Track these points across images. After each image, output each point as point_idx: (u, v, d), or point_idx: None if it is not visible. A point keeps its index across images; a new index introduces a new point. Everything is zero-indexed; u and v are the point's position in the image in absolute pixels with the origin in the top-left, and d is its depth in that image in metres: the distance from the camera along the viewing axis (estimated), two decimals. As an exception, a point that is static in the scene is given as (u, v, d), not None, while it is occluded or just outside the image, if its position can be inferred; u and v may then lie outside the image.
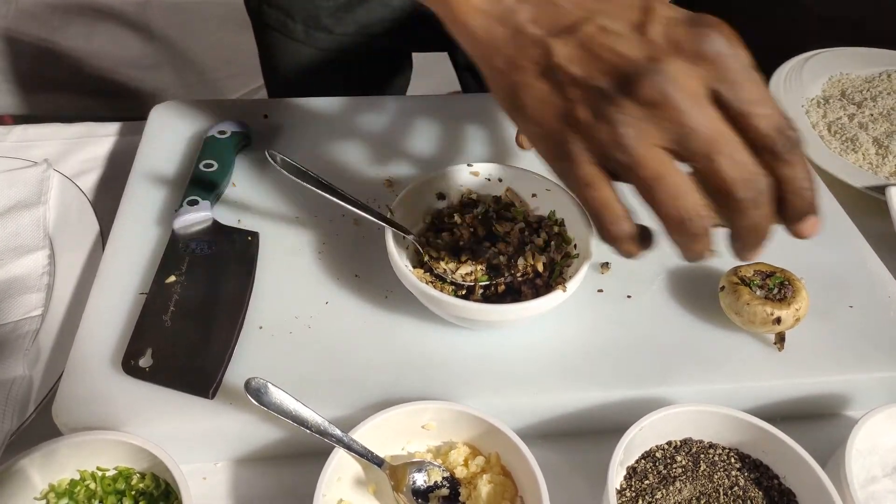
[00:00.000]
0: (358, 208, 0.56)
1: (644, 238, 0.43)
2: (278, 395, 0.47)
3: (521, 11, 0.41)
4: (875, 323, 0.60)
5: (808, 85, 0.91)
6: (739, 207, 0.38)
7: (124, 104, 2.02)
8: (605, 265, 0.64)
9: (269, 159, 0.53)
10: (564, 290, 0.53)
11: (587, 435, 0.56)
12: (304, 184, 0.54)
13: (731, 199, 0.38)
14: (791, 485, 0.51)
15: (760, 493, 0.51)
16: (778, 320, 0.56)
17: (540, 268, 0.57)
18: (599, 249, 0.63)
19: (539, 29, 0.40)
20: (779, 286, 0.58)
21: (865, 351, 0.59)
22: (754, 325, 0.57)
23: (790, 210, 0.40)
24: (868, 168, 0.80)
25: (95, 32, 1.92)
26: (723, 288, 0.59)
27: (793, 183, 0.39)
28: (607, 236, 0.42)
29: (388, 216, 0.58)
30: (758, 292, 0.58)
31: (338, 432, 0.48)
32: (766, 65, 0.86)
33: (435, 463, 0.51)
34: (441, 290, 0.56)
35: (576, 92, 0.39)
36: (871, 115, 0.86)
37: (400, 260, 0.55)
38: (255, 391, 0.46)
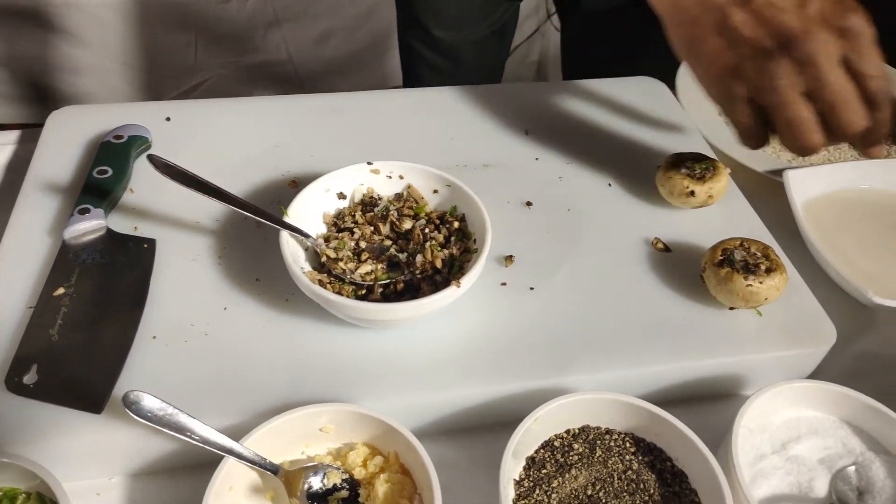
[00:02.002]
0: (249, 211, 0.55)
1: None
2: (158, 407, 0.46)
3: None
4: (768, 304, 0.62)
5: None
6: (852, 136, 0.55)
7: (48, 110, 1.96)
8: (509, 258, 0.64)
9: (150, 163, 0.52)
10: (458, 286, 0.53)
11: (489, 428, 0.56)
12: (189, 189, 0.53)
13: (847, 132, 0.54)
14: (683, 466, 0.52)
15: (654, 475, 0.52)
16: (691, 193, 0.67)
17: (438, 264, 0.57)
18: (501, 243, 0.65)
19: None
20: (703, 170, 0.68)
21: (758, 332, 0.60)
22: (672, 195, 0.68)
23: (871, 138, 0.55)
24: (771, 153, 0.82)
25: (20, 36, 1.86)
26: (660, 166, 0.70)
27: (879, 123, 0.55)
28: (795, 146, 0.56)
29: (284, 218, 0.57)
30: (683, 170, 0.68)
31: (225, 441, 0.47)
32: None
33: (334, 465, 0.51)
34: (339, 291, 0.56)
35: (745, 49, 0.53)
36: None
37: (294, 263, 0.54)
38: (132, 404, 0.45)
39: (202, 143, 0.73)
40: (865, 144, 0.56)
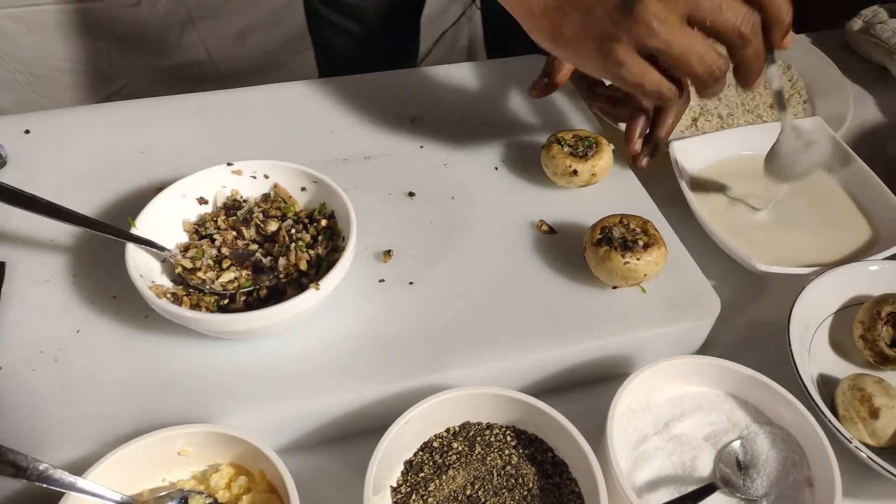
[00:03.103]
0: (97, 228, 0.52)
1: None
2: (-22, 448, 0.42)
3: None
4: (650, 280, 0.61)
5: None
6: (743, 44, 0.51)
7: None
8: (388, 253, 0.61)
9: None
10: (318, 289, 0.51)
11: (370, 434, 0.53)
12: (38, 214, 0.49)
13: (736, 41, 0.51)
14: (564, 455, 0.50)
15: (534, 467, 0.50)
16: (574, 172, 0.65)
17: (303, 266, 0.54)
18: (380, 237, 0.62)
19: None
20: (586, 148, 0.67)
21: (642, 309, 0.59)
22: (556, 175, 0.67)
23: (778, 26, 0.52)
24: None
25: None
26: (544, 146, 0.68)
27: (775, 4, 0.51)
28: (702, 81, 0.52)
29: (132, 230, 0.54)
30: (566, 149, 0.67)
31: (64, 476, 0.44)
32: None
33: (196, 490, 0.48)
34: (198, 303, 0.52)
35: (603, 7, 0.50)
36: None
37: (140, 278, 0.51)
38: (-58, 449, 0.41)
39: (63, 154, 0.69)
40: (779, 34, 0.52)
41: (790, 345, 0.55)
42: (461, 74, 0.81)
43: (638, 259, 0.56)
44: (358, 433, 0.54)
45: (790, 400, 0.51)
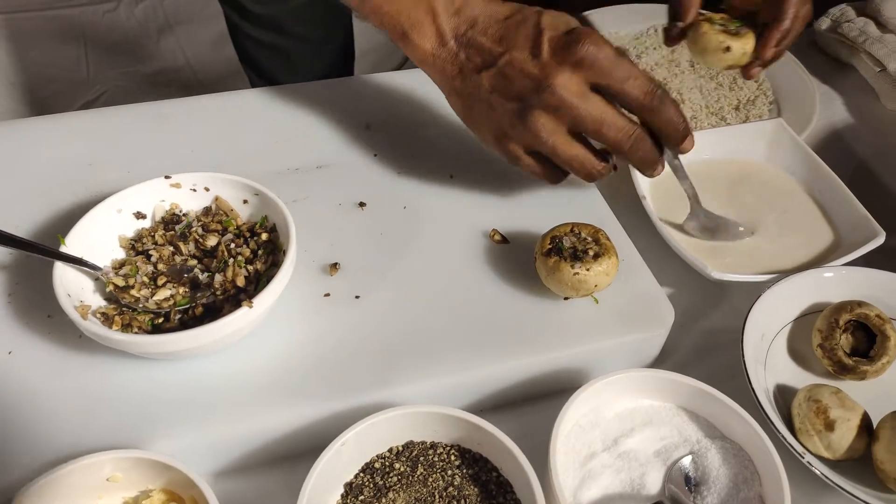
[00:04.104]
0: (17, 246, 0.50)
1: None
2: None
3: (460, 54, 0.57)
4: (602, 290, 0.59)
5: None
6: (627, 154, 0.57)
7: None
8: (334, 266, 0.60)
9: None
10: (251, 307, 0.49)
11: (314, 455, 0.52)
12: None
13: (620, 151, 0.57)
14: (508, 475, 0.49)
15: (477, 488, 0.48)
16: (728, 48, 0.62)
17: (241, 282, 0.53)
18: (327, 250, 0.61)
19: (474, 66, 0.57)
20: (738, 27, 0.63)
21: (595, 320, 0.57)
22: (706, 52, 0.64)
23: (671, 140, 0.58)
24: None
25: None
26: (691, 25, 0.64)
27: (667, 125, 0.56)
28: (584, 179, 0.60)
29: (61, 248, 0.52)
30: (717, 26, 0.63)
31: (-21, 509, 0.42)
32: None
33: (125, 517, 0.46)
34: (130, 323, 0.51)
35: (503, 109, 0.57)
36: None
37: (67, 298, 0.49)
38: None
39: (3, 169, 0.67)
40: (673, 146, 0.59)
41: (743, 356, 0.53)
42: (420, 80, 0.79)
43: (588, 270, 0.54)
44: (301, 454, 0.52)
45: (741, 414, 0.49)
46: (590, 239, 0.57)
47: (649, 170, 0.59)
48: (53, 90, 1.93)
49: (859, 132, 0.84)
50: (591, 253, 0.55)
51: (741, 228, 0.66)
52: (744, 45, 0.63)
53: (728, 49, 0.63)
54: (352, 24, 1.13)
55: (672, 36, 0.66)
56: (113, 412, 0.50)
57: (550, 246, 0.57)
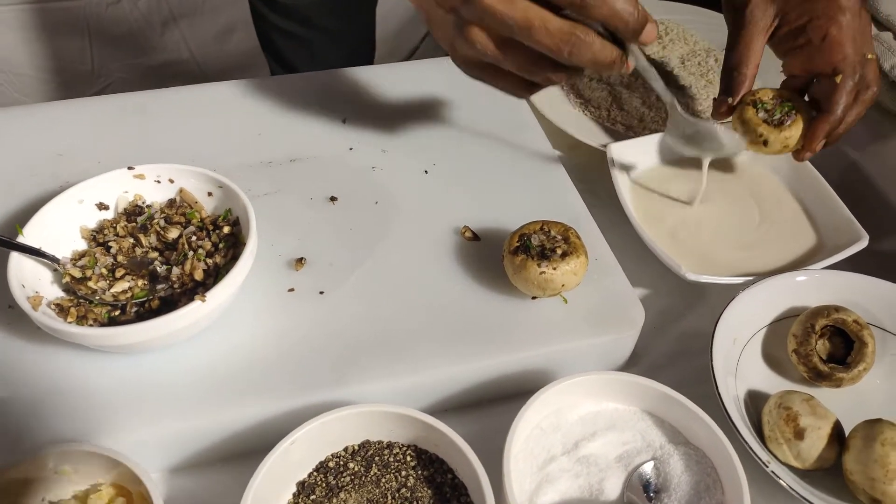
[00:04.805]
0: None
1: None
2: None
3: None
4: (570, 290, 0.57)
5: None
6: (572, 59, 0.49)
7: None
8: (300, 261, 0.59)
9: None
10: (203, 301, 0.48)
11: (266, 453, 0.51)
12: None
13: (562, 57, 0.49)
14: (463, 478, 0.48)
15: (431, 490, 0.47)
16: (765, 142, 0.60)
17: (199, 276, 0.52)
18: (294, 244, 0.60)
19: None
20: (784, 114, 0.60)
21: (563, 320, 0.56)
22: (745, 141, 0.61)
23: (625, 34, 0.49)
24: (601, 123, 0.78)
25: None
26: (738, 104, 0.61)
27: (613, 18, 0.48)
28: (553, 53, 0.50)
29: (19, 238, 0.51)
30: (761, 114, 0.61)
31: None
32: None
33: (71, 512, 0.46)
34: (86, 315, 0.50)
35: (445, 22, 0.51)
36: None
37: (21, 289, 0.49)
38: None
39: (-25, 157, 0.67)
40: (630, 38, 0.50)
41: (712, 361, 0.52)
42: (399, 75, 0.78)
43: (555, 269, 0.53)
44: (259, 451, 0.51)
45: (704, 419, 0.48)
46: (559, 237, 0.56)
47: (606, 70, 0.51)
48: (58, 82, 1.93)
49: (854, 133, 0.82)
50: (559, 252, 0.54)
51: (729, 133, 0.61)
52: (785, 138, 0.60)
53: (766, 143, 0.60)
54: (375, 16, 1.13)
55: (720, 111, 0.63)
56: (67, 405, 0.50)
57: (518, 244, 0.55)
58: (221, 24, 1.98)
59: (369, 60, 1.21)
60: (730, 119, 0.63)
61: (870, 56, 0.58)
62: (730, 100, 0.62)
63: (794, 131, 0.59)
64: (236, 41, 2.03)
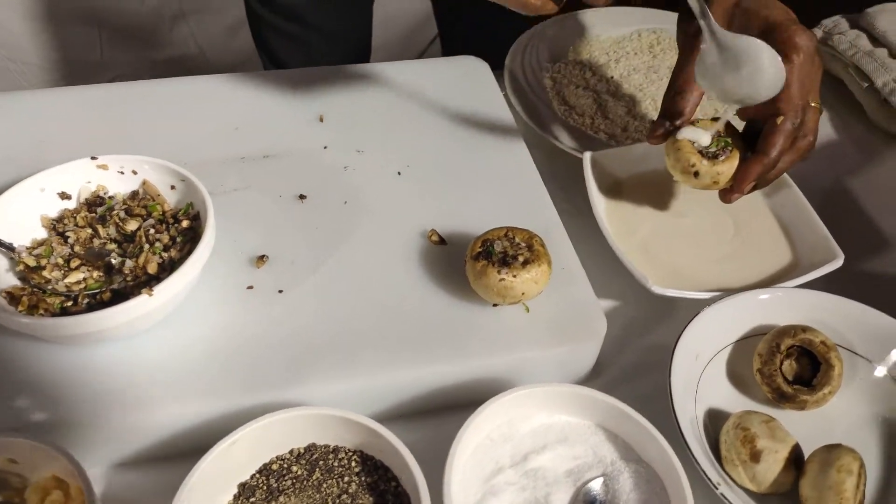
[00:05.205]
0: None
1: None
2: None
3: None
4: (531, 299, 0.56)
5: (560, 48, 0.87)
6: None
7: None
8: (262, 258, 0.58)
9: None
10: (150, 295, 0.47)
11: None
12: None
13: None
14: (406, 486, 0.47)
15: (373, 497, 0.46)
16: (696, 174, 0.57)
17: (152, 269, 0.51)
18: (257, 241, 0.59)
19: None
20: (719, 148, 0.57)
21: (524, 329, 0.55)
22: (675, 169, 0.58)
23: None
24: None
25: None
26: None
27: None
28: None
29: (-25, 224, 0.51)
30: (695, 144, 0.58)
31: None
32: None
33: (10, 502, 0.45)
34: (37, 304, 0.49)
35: None
36: (609, 77, 0.83)
37: (-29, 274, 0.48)
38: None
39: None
40: None
41: (670, 377, 0.51)
42: (381, 74, 0.78)
43: (514, 276, 0.52)
44: (207, 449, 0.51)
45: (656, 437, 0.47)
46: (523, 245, 0.55)
47: None
48: (67, 72, 1.94)
49: (842, 149, 0.80)
50: (521, 259, 0.53)
51: (773, 57, 0.51)
52: (716, 173, 0.57)
53: (696, 174, 0.57)
54: (371, 17, 1.13)
55: (656, 133, 0.59)
56: (12, 395, 0.49)
57: (481, 249, 0.54)
58: (230, 21, 1.99)
59: (364, 62, 1.21)
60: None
61: (813, 104, 0.55)
62: (667, 124, 0.58)
63: (726, 167, 0.56)
64: (244, 38, 2.03)
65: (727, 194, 0.58)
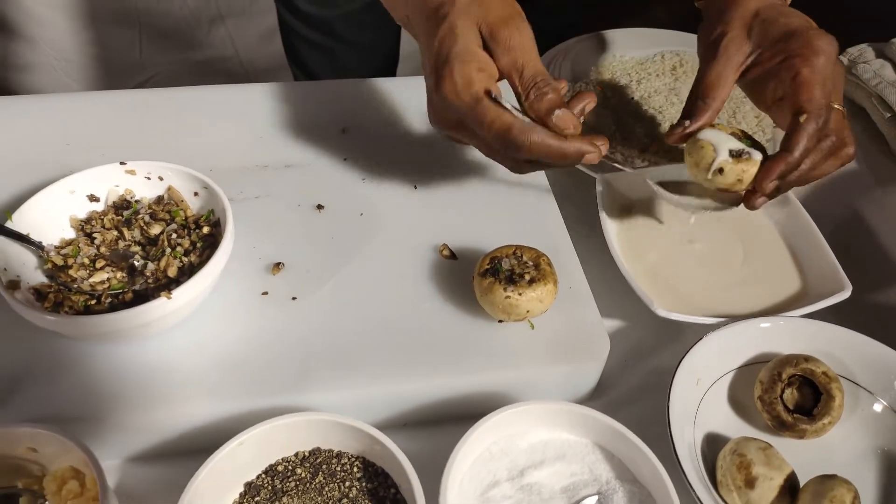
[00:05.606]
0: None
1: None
2: None
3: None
4: (536, 316, 0.57)
5: (582, 67, 0.88)
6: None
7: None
8: (278, 265, 0.60)
9: None
10: (169, 298, 0.50)
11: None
12: None
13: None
14: (405, 494, 0.48)
15: (372, 503, 0.48)
16: (720, 170, 0.56)
17: (172, 273, 0.53)
18: (274, 249, 0.61)
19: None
20: (740, 151, 0.56)
21: (527, 346, 0.56)
22: (697, 168, 0.57)
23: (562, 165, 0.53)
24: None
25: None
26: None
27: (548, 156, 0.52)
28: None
29: (7, 223, 0.54)
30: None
31: None
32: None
33: (30, 489, 0.48)
34: (62, 301, 0.52)
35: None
36: (630, 98, 0.84)
37: (3, 272, 0.51)
38: None
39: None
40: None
41: (669, 400, 0.51)
42: (405, 88, 0.79)
43: (520, 294, 0.53)
44: (217, 448, 0.53)
45: (651, 459, 0.47)
46: (530, 263, 0.56)
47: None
48: (106, 70, 2.00)
49: (862, 179, 0.80)
50: (527, 277, 0.54)
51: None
52: (741, 171, 0.55)
53: (721, 171, 0.56)
54: (399, 29, 1.15)
55: (675, 133, 0.59)
56: (36, 388, 0.52)
57: (489, 266, 0.56)
58: (266, 26, 2.03)
59: (391, 73, 1.23)
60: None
61: (837, 106, 0.55)
62: (687, 123, 0.58)
63: (750, 166, 0.55)
64: (278, 44, 2.07)
65: (751, 198, 0.57)
